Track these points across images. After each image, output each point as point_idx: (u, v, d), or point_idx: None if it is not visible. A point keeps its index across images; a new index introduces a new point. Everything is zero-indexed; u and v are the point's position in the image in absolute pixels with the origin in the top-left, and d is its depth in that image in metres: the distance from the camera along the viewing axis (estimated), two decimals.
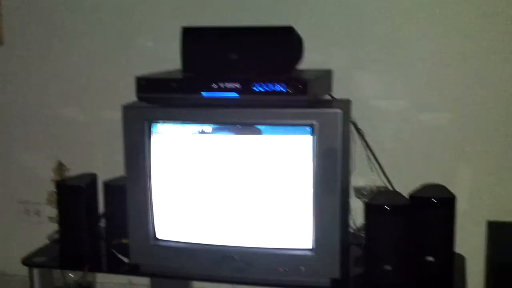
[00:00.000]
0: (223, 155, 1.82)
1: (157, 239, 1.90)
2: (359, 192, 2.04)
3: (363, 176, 2.08)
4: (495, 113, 2.06)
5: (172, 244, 1.89)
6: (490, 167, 2.09)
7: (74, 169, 2.23)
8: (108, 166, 2.21)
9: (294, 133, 1.75)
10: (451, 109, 2.09)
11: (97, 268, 2.08)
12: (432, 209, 1.80)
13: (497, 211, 2.06)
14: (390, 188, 2.06)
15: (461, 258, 1.96)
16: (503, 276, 1.74)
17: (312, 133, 1.72)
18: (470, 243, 2.03)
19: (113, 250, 2.04)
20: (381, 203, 1.80)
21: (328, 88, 1.99)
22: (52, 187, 2.16)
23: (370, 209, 1.79)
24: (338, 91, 2.02)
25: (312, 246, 1.78)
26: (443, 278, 1.82)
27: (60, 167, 2.23)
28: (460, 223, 1.89)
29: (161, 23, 2.26)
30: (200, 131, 1.81)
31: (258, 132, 1.78)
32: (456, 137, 2.10)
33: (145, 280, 2.36)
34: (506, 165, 2.08)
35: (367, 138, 2.06)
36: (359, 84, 2.12)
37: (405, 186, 1.92)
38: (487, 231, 1.98)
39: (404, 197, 1.84)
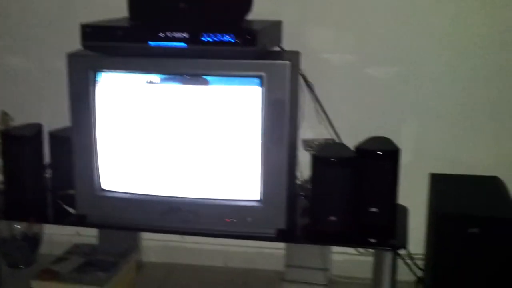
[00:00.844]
0: (171, 105, 1.80)
1: (103, 190, 1.89)
2: (307, 144, 2.06)
3: (311, 129, 2.11)
4: (441, 67, 2.10)
5: (118, 195, 1.88)
6: (434, 120, 2.13)
7: (19, 119, 2.17)
8: (54, 116, 2.16)
9: (243, 84, 1.75)
10: (398, 63, 2.11)
11: (43, 219, 2.08)
12: (377, 161, 1.83)
13: (440, 163, 2.11)
14: (337, 140, 2.08)
15: (404, 209, 2.01)
16: (444, 227, 1.79)
17: (261, 84, 1.72)
18: (413, 194, 2.08)
19: (59, 201, 2.02)
20: (327, 155, 1.82)
21: (277, 40, 1.98)
22: None
23: (317, 161, 1.82)
24: (288, 43, 2.01)
25: (260, 197, 1.80)
26: (386, 228, 1.86)
27: (4, 117, 2.17)
28: (404, 175, 1.93)
29: None
30: (148, 81, 1.79)
31: (206, 82, 1.76)
32: (402, 91, 2.13)
33: (92, 231, 2.34)
34: (449, 119, 2.12)
35: (316, 91, 2.07)
36: (309, 37, 2.11)
37: (353, 139, 1.94)
38: (430, 183, 2.03)
39: (350, 149, 1.87)
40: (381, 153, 1.84)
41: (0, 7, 2.30)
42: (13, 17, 2.31)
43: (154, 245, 2.40)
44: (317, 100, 2.08)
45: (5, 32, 2.33)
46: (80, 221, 1.93)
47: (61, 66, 1.85)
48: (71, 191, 1.94)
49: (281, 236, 1.83)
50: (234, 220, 1.82)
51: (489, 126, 2.11)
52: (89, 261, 2.23)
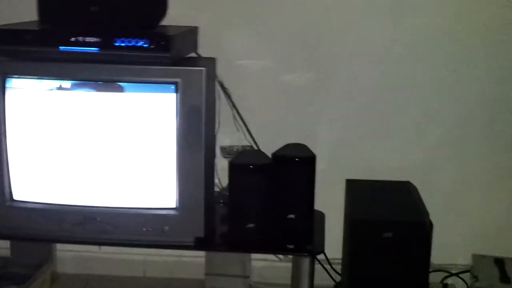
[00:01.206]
0: (84, 112, 1.76)
1: (14, 200, 1.82)
2: (225, 151, 2.05)
3: (229, 136, 2.10)
4: (354, 73, 2.13)
5: (30, 205, 1.82)
6: (348, 127, 2.17)
7: None
8: None
9: (158, 91, 1.72)
10: (312, 69, 2.13)
11: None
12: (294, 167, 1.84)
13: (355, 169, 2.15)
14: (255, 147, 2.09)
15: (321, 215, 2.03)
16: (359, 232, 1.82)
17: (176, 91, 1.70)
18: (330, 200, 2.11)
19: None
20: (244, 162, 1.82)
21: (193, 46, 1.96)
22: None
23: (234, 168, 1.81)
24: (205, 50, 2.00)
25: (176, 205, 1.78)
26: (303, 234, 1.87)
27: None
28: (321, 182, 1.95)
29: None
30: (58, 87, 1.74)
31: (120, 89, 1.73)
32: (317, 98, 2.15)
33: (5, 243, 2.25)
34: (363, 124, 2.16)
35: (233, 98, 2.07)
36: (226, 43, 2.11)
37: (270, 146, 1.95)
38: (346, 189, 2.06)
39: (267, 156, 1.87)
40: (297, 159, 1.85)
41: None
42: None
43: (70, 256, 2.33)
44: (234, 106, 2.08)
45: None
46: None
47: None
48: None
49: (199, 244, 1.82)
50: (151, 229, 1.79)
51: (400, 132, 2.16)
52: (1, 274, 2.15)
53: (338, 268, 2.19)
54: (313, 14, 2.10)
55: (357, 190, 2.01)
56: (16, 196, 1.82)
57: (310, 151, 1.88)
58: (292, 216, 1.85)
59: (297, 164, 1.84)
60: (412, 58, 2.11)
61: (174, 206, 1.77)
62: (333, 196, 2.12)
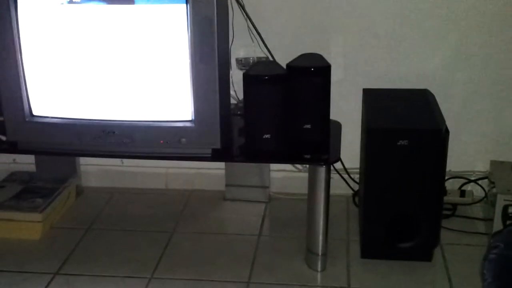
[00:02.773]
0: (96, 25, 1.75)
1: (33, 115, 1.85)
2: (240, 63, 2.04)
3: (244, 47, 2.08)
4: None
5: (49, 120, 1.85)
6: (364, 36, 2.12)
7: None
8: None
9: (168, 2, 1.70)
10: None
11: None
12: (309, 77, 1.82)
13: (372, 78, 2.13)
14: (270, 58, 2.07)
15: (338, 125, 2.02)
16: (376, 139, 1.82)
17: (186, 1, 1.68)
18: (347, 110, 2.10)
19: None
20: (259, 73, 1.81)
21: None
22: None
23: (248, 79, 1.80)
24: None
25: (192, 118, 1.79)
26: (319, 144, 1.87)
27: None
28: (337, 92, 1.94)
29: None
30: (69, 0, 1.72)
31: (131, 1, 1.71)
32: (332, 6, 2.10)
33: (29, 159, 2.32)
34: (379, 33, 2.11)
35: (247, 9, 2.03)
36: None
37: (285, 57, 1.92)
38: (362, 98, 2.04)
39: (281, 66, 1.85)
40: (312, 69, 1.83)
41: None
42: None
43: (94, 169, 2.39)
44: (248, 17, 2.04)
45: None
46: (12, 148, 1.90)
47: None
48: (0, 118, 1.89)
49: (216, 155, 1.84)
50: (168, 142, 1.81)
51: (418, 39, 2.11)
52: (27, 188, 2.23)
53: (357, 178, 2.21)
54: None
55: (374, 99, 2.00)
56: (35, 112, 1.84)
57: (325, 61, 1.86)
58: (308, 126, 1.85)
59: (312, 74, 1.82)
60: None
61: (190, 118, 1.79)
62: (350, 106, 2.12)
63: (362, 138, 2.03)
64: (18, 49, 1.77)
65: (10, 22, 1.74)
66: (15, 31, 1.75)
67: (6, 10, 1.73)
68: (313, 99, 1.83)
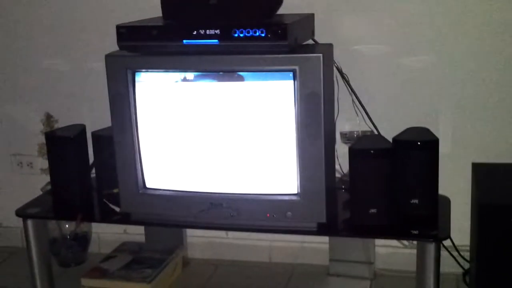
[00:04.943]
0: (207, 102, 1.82)
1: (146, 187, 1.92)
2: (345, 137, 2.05)
3: (349, 121, 2.10)
4: (477, 55, 2.05)
5: (161, 192, 1.91)
6: (473, 109, 2.08)
7: (64, 121, 2.24)
8: (97, 117, 2.22)
9: (276, 78, 1.75)
10: (432, 52, 2.07)
11: (90, 217, 2.12)
12: (416, 151, 1.81)
13: (481, 152, 2.07)
14: (375, 132, 2.07)
15: (446, 200, 1.97)
16: (488, 216, 1.75)
17: (294, 78, 1.72)
18: (455, 185, 2.05)
19: (105, 200, 2.07)
20: (365, 147, 1.81)
21: (310, 33, 1.98)
22: (43, 139, 2.18)
23: (354, 153, 1.80)
24: (321, 36, 2.00)
25: (298, 191, 1.80)
26: (428, 219, 1.83)
27: (49, 118, 2.24)
28: (445, 166, 1.90)
29: None
30: (183, 78, 1.81)
31: (241, 78, 1.78)
32: (439, 80, 2.09)
33: (139, 229, 2.40)
34: (488, 106, 2.07)
35: (352, 83, 2.06)
36: (342, 29, 2.10)
37: (390, 130, 1.92)
38: (472, 173, 1.99)
39: (387, 140, 1.85)
40: (419, 143, 1.81)
41: (40, 11, 2.36)
42: (52, 19, 2.36)
43: (199, 241, 2.43)
44: (353, 91, 2.06)
45: (44, 34, 2.37)
46: (125, 219, 1.98)
47: (100, 66, 1.89)
48: (116, 190, 1.98)
49: (321, 229, 1.83)
50: (274, 215, 1.83)
51: None
52: (137, 258, 2.29)
53: (467, 255, 2.12)
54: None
55: (484, 173, 1.94)
56: (148, 184, 1.92)
57: (433, 134, 1.84)
58: (415, 201, 1.82)
59: (419, 148, 1.81)
60: None
61: (296, 192, 1.80)
62: (459, 180, 2.06)
63: (472, 214, 1.96)
64: (135, 125, 1.87)
65: (129, 100, 1.85)
66: (132, 108, 1.85)
67: (125, 88, 1.84)
68: (420, 173, 1.81)
